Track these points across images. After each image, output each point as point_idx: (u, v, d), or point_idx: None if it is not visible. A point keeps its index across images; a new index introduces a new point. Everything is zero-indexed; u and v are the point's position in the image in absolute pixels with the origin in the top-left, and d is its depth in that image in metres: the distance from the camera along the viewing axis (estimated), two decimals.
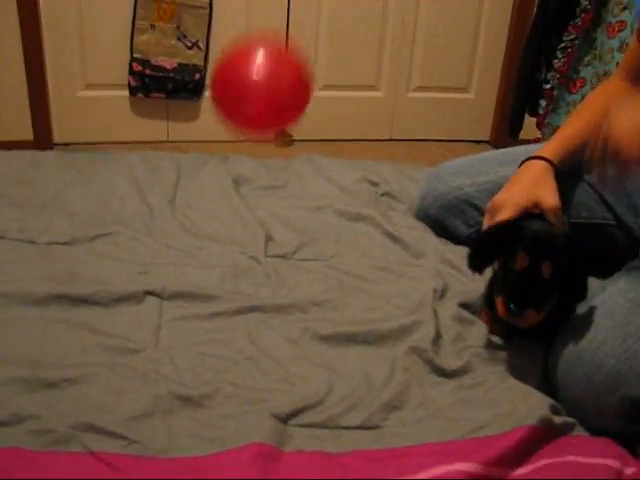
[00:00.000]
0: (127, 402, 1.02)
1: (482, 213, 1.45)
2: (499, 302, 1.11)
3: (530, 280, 1.09)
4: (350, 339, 1.20)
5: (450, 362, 1.16)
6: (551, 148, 1.35)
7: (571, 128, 1.40)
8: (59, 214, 1.50)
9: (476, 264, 1.18)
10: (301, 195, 1.67)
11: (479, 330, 1.24)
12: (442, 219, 1.53)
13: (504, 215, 1.23)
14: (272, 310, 1.24)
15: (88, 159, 1.77)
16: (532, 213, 1.24)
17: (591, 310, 1.11)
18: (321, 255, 1.44)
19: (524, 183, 1.29)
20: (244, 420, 1.00)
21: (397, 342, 1.19)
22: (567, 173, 1.41)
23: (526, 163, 1.34)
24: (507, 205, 1.26)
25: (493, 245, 1.17)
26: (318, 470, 0.94)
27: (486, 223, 1.28)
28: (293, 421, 1.02)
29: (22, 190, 1.59)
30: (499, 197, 1.29)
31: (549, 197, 1.25)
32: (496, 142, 3.42)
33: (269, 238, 1.48)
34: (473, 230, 1.51)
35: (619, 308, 1.08)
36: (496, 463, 0.95)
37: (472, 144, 3.50)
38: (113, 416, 0.99)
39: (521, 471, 0.97)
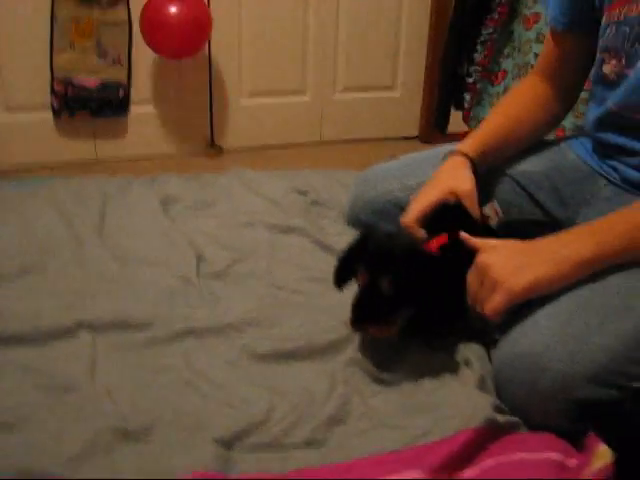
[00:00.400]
0: (67, 442, 0.99)
1: None
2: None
3: (368, 296, 1.12)
4: (289, 355, 1.19)
5: (388, 370, 1.16)
6: (468, 143, 1.39)
7: (489, 124, 1.44)
8: None
9: (337, 279, 1.21)
10: (230, 211, 1.65)
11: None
12: (373, 224, 1.53)
13: (412, 209, 1.28)
14: (208, 332, 1.23)
15: (10, 189, 1.72)
16: (447, 203, 1.27)
17: (533, 310, 1.10)
18: (254, 271, 1.43)
19: (439, 176, 1.33)
20: (187, 448, 0.99)
21: (336, 354, 1.20)
22: (493, 172, 1.43)
23: (447, 158, 1.37)
24: (417, 199, 1.30)
25: (348, 264, 1.19)
26: None
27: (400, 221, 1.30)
28: (237, 445, 1.01)
29: None
30: (415, 194, 1.33)
31: (463, 184, 1.29)
32: (425, 137, 3.46)
33: (200, 258, 1.46)
34: None
35: (561, 310, 1.07)
36: (444, 468, 0.95)
37: (402, 141, 3.53)
38: (54, 458, 0.96)
39: (469, 473, 0.97)
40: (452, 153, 1.36)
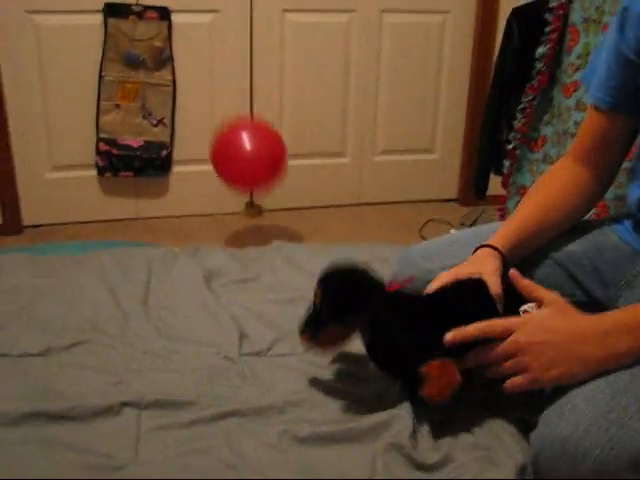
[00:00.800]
0: None
1: None
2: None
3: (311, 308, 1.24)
4: (329, 439, 1.19)
5: (429, 455, 1.16)
6: (500, 236, 1.37)
7: (522, 215, 1.42)
8: (31, 323, 1.49)
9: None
10: (273, 287, 1.67)
11: (455, 417, 1.25)
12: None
13: (435, 281, 1.31)
14: (250, 414, 1.24)
15: (59, 262, 1.76)
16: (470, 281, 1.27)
17: (573, 393, 1.10)
18: (295, 349, 1.44)
19: (466, 263, 1.34)
20: None
21: (376, 438, 1.19)
22: (537, 253, 1.43)
23: (477, 251, 1.36)
24: (440, 275, 1.32)
25: None
26: None
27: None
28: None
29: None
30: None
31: (487, 267, 1.29)
32: (464, 200, 3.47)
33: (243, 335, 1.48)
34: None
35: (601, 394, 1.07)
36: None
37: (441, 203, 3.55)
38: None
39: None
40: (482, 246, 1.36)
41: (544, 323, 1.15)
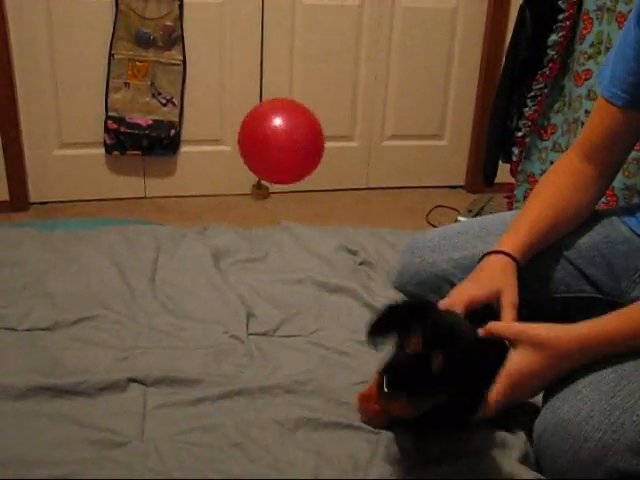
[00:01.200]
0: None
1: None
2: (375, 379, 1.09)
3: (415, 366, 1.02)
4: (335, 421, 1.19)
5: (431, 441, 1.16)
6: (513, 241, 1.33)
7: (531, 214, 1.39)
8: (39, 298, 1.49)
9: (373, 337, 1.06)
10: (281, 267, 1.67)
11: None
12: (420, 295, 1.52)
13: (455, 302, 1.21)
14: (256, 393, 1.24)
15: (66, 237, 1.76)
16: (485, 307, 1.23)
17: (577, 378, 1.10)
18: (303, 330, 1.44)
19: (486, 276, 1.28)
20: None
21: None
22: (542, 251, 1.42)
23: (487, 258, 1.32)
24: (461, 292, 1.24)
25: (396, 320, 1.06)
26: None
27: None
28: None
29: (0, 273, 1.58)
30: (457, 286, 1.29)
31: (509, 293, 1.24)
32: (472, 187, 3.46)
33: (250, 315, 1.48)
34: None
35: (605, 379, 1.08)
36: None
37: (448, 190, 3.54)
38: None
39: None
40: (497, 253, 1.31)
41: (537, 349, 1.12)
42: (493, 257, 1.31)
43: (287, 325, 1.46)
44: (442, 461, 1.13)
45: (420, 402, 1.04)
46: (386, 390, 1.04)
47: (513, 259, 1.29)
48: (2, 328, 1.39)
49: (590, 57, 2.46)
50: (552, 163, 2.61)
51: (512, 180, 2.95)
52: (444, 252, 1.46)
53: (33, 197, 3.21)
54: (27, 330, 1.40)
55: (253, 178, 3.34)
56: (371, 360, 1.34)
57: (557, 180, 1.43)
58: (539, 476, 1.09)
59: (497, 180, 3.04)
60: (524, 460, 1.13)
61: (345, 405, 1.23)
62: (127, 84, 3.12)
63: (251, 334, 1.43)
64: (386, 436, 1.17)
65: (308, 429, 1.18)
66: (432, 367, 1.00)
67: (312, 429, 1.18)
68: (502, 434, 1.17)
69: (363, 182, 3.49)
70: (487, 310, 1.22)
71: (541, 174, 2.66)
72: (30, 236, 1.75)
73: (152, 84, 3.13)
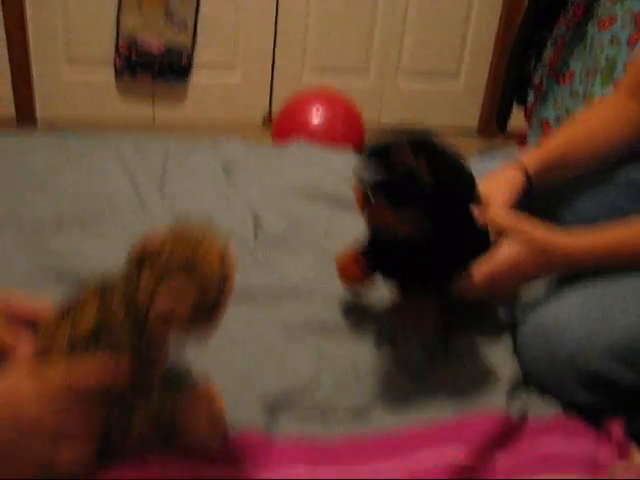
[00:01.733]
0: None
1: None
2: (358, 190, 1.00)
3: (402, 179, 0.96)
4: (340, 327, 1.20)
5: (435, 347, 1.17)
6: (533, 157, 1.31)
7: (560, 137, 1.36)
8: (46, 198, 1.47)
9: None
10: (293, 181, 1.65)
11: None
12: None
13: None
14: (262, 296, 1.24)
15: (77, 143, 1.74)
16: None
17: (560, 281, 1.14)
18: (311, 242, 1.43)
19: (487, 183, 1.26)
20: (234, 405, 0.98)
21: (384, 330, 1.20)
22: (580, 186, 1.39)
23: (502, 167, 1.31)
24: None
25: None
26: (305, 455, 0.94)
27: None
28: (281, 406, 1.02)
29: (9, 175, 1.56)
30: None
31: (502, 190, 1.23)
32: (484, 132, 3.43)
33: (258, 223, 1.47)
34: None
35: (588, 285, 1.11)
36: (479, 450, 0.96)
37: (460, 132, 3.51)
38: None
39: (501, 458, 0.97)
40: (511, 163, 1.30)
41: (530, 239, 1.12)
42: (504, 168, 1.30)
43: (295, 235, 1.45)
44: (447, 361, 1.14)
45: (402, 210, 0.97)
46: (372, 200, 0.97)
47: (524, 173, 1.27)
48: (7, 225, 1.38)
49: (617, 2, 2.41)
50: (567, 110, 2.59)
51: (525, 127, 2.93)
52: None
53: (40, 116, 3.17)
54: (34, 230, 1.38)
55: (264, 109, 3.31)
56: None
57: (592, 113, 1.41)
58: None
59: (510, 127, 3.01)
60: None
61: (350, 310, 1.24)
62: (140, 6, 3.06)
63: (258, 241, 1.42)
64: (388, 340, 1.17)
65: (311, 331, 1.18)
66: (417, 177, 0.95)
67: (316, 334, 1.18)
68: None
69: (375, 118, 3.45)
70: None
71: (555, 120, 2.63)
72: (39, 142, 1.73)
73: (166, 6, 3.07)
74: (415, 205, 0.97)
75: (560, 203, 1.39)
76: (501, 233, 1.12)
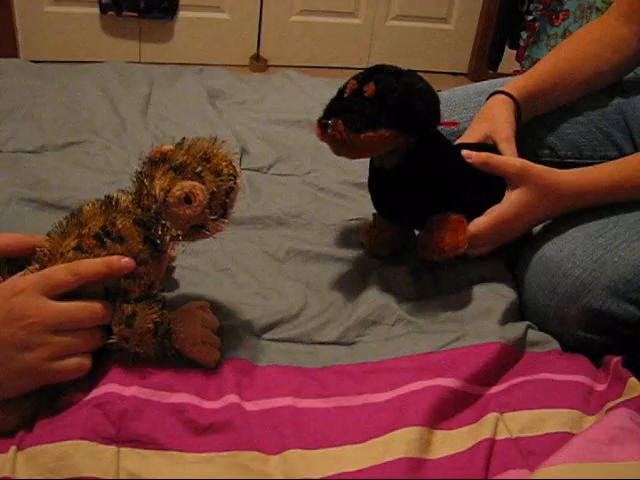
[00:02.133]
0: None
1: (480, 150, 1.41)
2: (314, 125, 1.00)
3: (349, 98, 0.99)
4: (326, 255, 1.17)
5: (426, 279, 1.15)
6: (515, 84, 1.29)
7: (543, 65, 1.33)
8: (26, 122, 1.44)
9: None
10: (279, 109, 1.61)
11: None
12: None
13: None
14: (247, 222, 1.21)
15: (57, 69, 1.70)
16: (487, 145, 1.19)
17: (564, 220, 1.11)
18: (297, 170, 1.41)
19: (477, 119, 1.26)
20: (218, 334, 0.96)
21: (373, 259, 1.17)
22: (570, 111, 1.37)
23: (490, 98, 1.28)
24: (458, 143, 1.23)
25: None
26: (292, 384, 0.92)
27: None
28: (267, 335, 0.99)
29: None
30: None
31: (500, 128, 1.21)
32: (474, 75, 3.38)
33: (244, 151, 1.44)
34: None
35: (592, 222, 1.08)
36: (474, 380, 0.94)
37: (450, 76, 3.47)
38: None
39: (496, 389, 0.95)
40: (496, 92, 1.28)
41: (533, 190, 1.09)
42: (492, 97, 1.28)
43: (281, 164, 1.42)
44: (436, 295, 1.11)
45: (355, 121, 0.95)
46: (323, 120, 0.98)
47: (511, 98, 1.26)
48: None
49: None
50: None
51: (517, 68, 2.89)
52: (465, 111, 1.39)
53: (23, 55, 3.10)
54: (12, 152, 1.35)
55: (252, 49, 3.25)
56: (366, 203, 1.30)
57: (585, 34, 1.38)
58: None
59: (501, 70, 2.97)
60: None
61: (337, 239, 1.21)
62: None
63: (244, 169, 1.38)
64: (379, 273, 1.14)
65: (298, 260, 1.16)
66: (365, 95, 0.96)
67: (302, 260, 1.16)
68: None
69: (364, 61, 3.40)
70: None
71: None
72: (19, 65, 1.69)
73: None
74: (365, 115, 0.96)
75: (546, 128, 1.37)
76: (510, 179, 1.10)
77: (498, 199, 1.10)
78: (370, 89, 0.96)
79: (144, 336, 0.83)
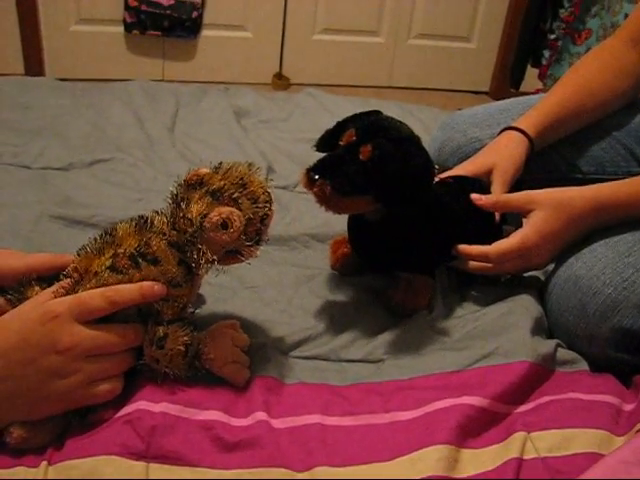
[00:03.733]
0: None
1: None
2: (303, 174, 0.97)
3: (342, 156, 0.96)
4: (354, 276, 1.17)
5: (454, 297, 1.15)
6: (532, 118, 1.29)
7: (556, 98, 1.33)
8: (54, 140, 1.45)
9: (322, 146, 1.04)
10: (304, 128, 1.63)
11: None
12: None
13: (447, 174, 1.23)
14: (274, 241, 1.21)
15: (85, 87, 1.72)
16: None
17: (593, 239, 1.10)
18: None
19: (486, 150, 1.27)
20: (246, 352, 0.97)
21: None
22: (593, 128, 1.37)
23: (503, 133, 1.29)
24: (457, 168, 1.25)
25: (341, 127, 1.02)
26: (319, 402, 0.92)
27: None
28: (295, 352, 0.99)
29: (16, 115, 1.54)
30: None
31: (500, 167, 1.22)
32: (496, 93, 3.39)
33: (270, 169, 1.45)
34: None
35: (622, 240, 1.07)
36: (501, 398, 0.93)
37: (472, 94, 3.47)
38: None
39: (524, 408, 0.95)
40: (510, 128, 1.28)
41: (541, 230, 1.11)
42: (504, 133, 1.28)
43: None
44: (464, 312, 1.12)
45: (343, 185, 0.94)
46: (311, 174, 0.95)
47: (525, 135, 1.26)
48: (16, 166, 1.37)
49: None
50: None
51: (539, 87, 2.89)
52: (488, 127, 1.39)
53: (49, 74, 3.14)
54: (41, 169, 1.37)
55: (274, 67, 3.27)
56: None
57: (594, 61, 1.37)
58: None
59: (523, 88, 2.97)
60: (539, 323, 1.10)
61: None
62: None
63: (270, 187, 1.38)
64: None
65: (324, 278, 1.16)
66: (360, 156, 0.94)
67: (328, 278, 1.16)
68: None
69: (385, 80, 3.41)
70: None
71: None
72: (48, 83, 1.72)
73: None
74: (354, 181, 0.94)
75: (568, 145, 1.37)
76: (522, 209, 1.12)
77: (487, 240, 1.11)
78: (366, 152, 0.94)
79: (175, 357, 0.84)
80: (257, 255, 0.89)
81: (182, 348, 0.84)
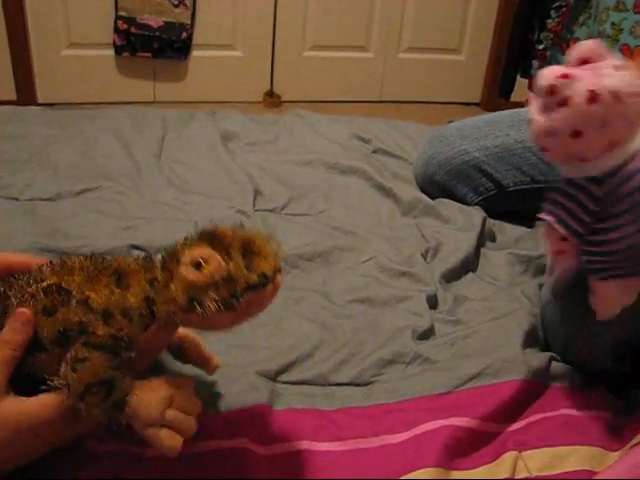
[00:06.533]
0: None
1: (491, 179, 1.41)
2: None
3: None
4: (344, 296, 1.17)
5: (443, 317, 1.15)
6: None
7: None
8: (42, 170, 1.45)
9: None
10: (290, 150, 1.63)
11: (470, 285, 1.23)
12: (449, 186, 1.47)
13: None
14: None
15: (71, 115, 1.72)
16: None
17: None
18: (310, 210, 1.41)
19: None
20: (236, 377, 0.96)
21: (392, 300, 1.17)
22: None
23: None
24: None
25: None
26: (308, 428, 0.91)
27: None
28: (282, 377, 0.99)
29: (3, 146, 1.54)
30: None
31: None
32: (486, 104, 3.40)
33: (257, 192, 1.45)
34: (482, 198, 1.45)
35: None
36: (491, 418, 0.93)
37: (463, 106, 3.48)
38: None
39: (515, 426, 0.94)
40: None
41: None
42: None
43: (295, 203, 1.43)
44: (454, 330, 1.11)
45: None
46: None
47: None
48: (4, 198, 1.37)
49: None
50: None
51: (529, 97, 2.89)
52: (475, 140, 1.40)
53: (40, 98, 3.15)
54: (29, 200, 1.36)
55: (265, 86, 3.28)
56: (380, 242, 1.31)
57: None
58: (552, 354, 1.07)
59: (514, 99, 2.97)
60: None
61: (350, 281, 1.21)
62: None
63: (258, 210, 1.39)
64: (396, 312, 1.14)
65: (313, 302, 1.15)
66: None
67: (317, 302, 1.15)
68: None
69: (376, 94, 3.42)
70: None
71: None
72: (35, 113, 1.72)
73: None
74: None
75: None
76: None
77: None
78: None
79: (87, 391, 0.70)
80: (219, 326, 0.79)
81: (94, 381, 0.70)
